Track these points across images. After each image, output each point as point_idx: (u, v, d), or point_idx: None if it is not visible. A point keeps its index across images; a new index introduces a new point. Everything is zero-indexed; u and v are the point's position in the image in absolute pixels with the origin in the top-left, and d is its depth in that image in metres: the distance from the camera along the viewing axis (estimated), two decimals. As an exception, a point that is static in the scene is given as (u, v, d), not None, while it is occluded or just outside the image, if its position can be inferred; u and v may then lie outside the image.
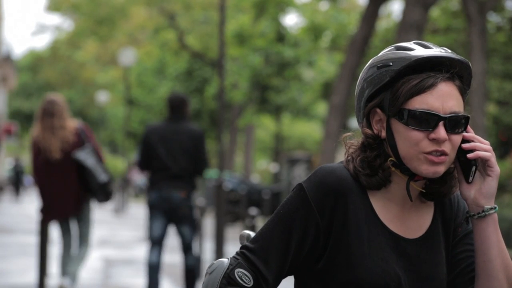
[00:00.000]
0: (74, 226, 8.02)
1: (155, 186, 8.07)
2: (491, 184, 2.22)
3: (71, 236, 8.00)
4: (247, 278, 2.19)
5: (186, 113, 8.24)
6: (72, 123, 7.86)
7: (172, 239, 17.68)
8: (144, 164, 8.18)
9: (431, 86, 2.16)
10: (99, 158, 7.78)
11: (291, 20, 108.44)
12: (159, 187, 8.05)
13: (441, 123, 2.15)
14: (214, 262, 2.25)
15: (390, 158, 2.21)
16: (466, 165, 2.22)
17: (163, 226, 8.12)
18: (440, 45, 2.27)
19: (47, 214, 7.99)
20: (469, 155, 2.20)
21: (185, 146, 8.11)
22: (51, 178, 7.81)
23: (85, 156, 7.68)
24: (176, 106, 8.21)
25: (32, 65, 59.44)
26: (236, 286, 2.19)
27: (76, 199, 7.84)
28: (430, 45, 2.22)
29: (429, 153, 2.15)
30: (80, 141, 7.78)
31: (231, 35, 25.85)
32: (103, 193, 7.74)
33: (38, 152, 7.79)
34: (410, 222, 2.26)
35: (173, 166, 8.07)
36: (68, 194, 7.81)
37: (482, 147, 2.21)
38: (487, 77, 17.55)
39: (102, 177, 7.66)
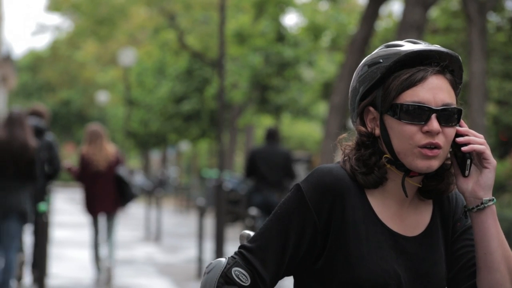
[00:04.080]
0: (103, 220, 10.74)
1: (259, 191, 11.39)
2: (489, 176, 2.21)
3: (99, 229, 10.74)
4: (244, 277, 2.19)
5: (279, 139, 11.87)
6: (111, 147, 10.81)
7: (170, 239, 17.67)
8: (249, 174, 11.62)
9: (422, 79, 2.17)
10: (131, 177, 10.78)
11: (291, 20, 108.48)
12: (262, 192, 11.35)
13: (433, 115, 2.15)
14: (212, 261, 2.25)
15: (385, 155, 2.21)
16: (462, 159, 2.22)
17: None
18: (440, 45, 2.28)
19: (92, 209, 10.67)
20: (464, 148, 2.20)
21: (279, 162, 11.48)
22: (97, 184, 10.57)
23: (125, 174, 10.73)
24: (273, 135, 11.74)
25: (32, 65, 59.44)
26: (233, 285, 2.19)
27: (115, 201, 10.66)
28: (420, 42, 2.24)
29: (423, 146, 2.15)
30: (118, 161, 10.71)
31: (231, 34, 25.84)
32: (130, 201, 10.82)
33: (87, 165, 10.58)
34: (409, 220, 2.26)
35: (271, 177, 11.41)
36: (109, 196, 10.61)
37: (476, 141, 2.21)
38: (487, 77, 17.54)
39: (134, 190, 10.82)
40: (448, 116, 2.17)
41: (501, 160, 20.55)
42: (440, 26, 21.96)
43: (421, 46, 2.20)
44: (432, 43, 2.26)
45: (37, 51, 61.12)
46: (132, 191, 10.72)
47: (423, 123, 2.15)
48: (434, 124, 2.15)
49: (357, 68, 2.27)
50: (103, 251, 10.79)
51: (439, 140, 2.16)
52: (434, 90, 2.17)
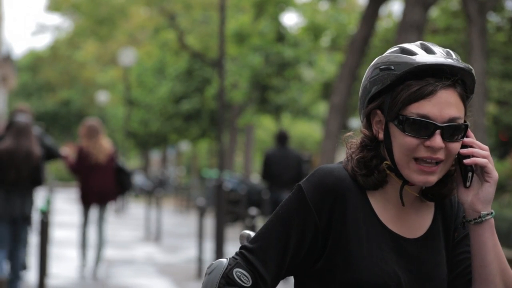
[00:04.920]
0: (95, 210, 11.51)
1: (273, 191, 12.56)
2: (489, 190, 2.21)
3: (89, 218, 11.49)
4: (245, 278, 2.19)
5: (289, 142, 12.90)
6: (107, 142, 11.49)
7: (170, 239, 17.67)
8: (265, 175, 12.63)
9: (430, 93, 2.16)
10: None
11: (291, 20, 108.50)
12: (275, 191, 12.47)
13: (437, 131, 2.14)
14: (213, 262, 2.25)
15: (386, 162, 2.22)
16: (464, 169, 2.22)
17: None
18: (440, 45, 2.26)
19: (88, 201, 11.39)
20: (465, 161, 2.20)
21: (291, 164, 12.52)
22: (95, 176, 11.25)
23: (125, 166, 11.56)
24: (284, 138, 12.74)
25: (32, 65, 59.38)
26: (234, 286, 2.19)
27: (112, 192, 11.41)
28: (435, 49, 2.21)
29: (422, 159, 2.15)
30: (114, 154, 11.46)
31: (231, 34, 25.84)
32: (128, 190, 11.68)
33: (84, 158, 11.26)
34: (410, 222, 2.26)
35: (284, 177, 12.44)
36: (107, 188, 11.34)
37: (480, 153, 2.20)
38: (487, 77, 17.53)
39: (132, 179, 11.67)
40: (453, 132, 2.16)
41: (501, 160, 20.55)
42: (440, 26, 21.96)
43: (434, 58, 2.18)
44: (433, 43, 2.26)
45: (37, 51, 61.07)
46: (131, 181, 11.59)
47: (426, 137, 2.15)
48: (437, 140, 2.14)
49: (368, 69, 2.26)
50: (91, 238, 11.74)
51: (440, 155, 2.15)
52: (442, 105, 2.15)
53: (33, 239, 10.11)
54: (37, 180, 8.81)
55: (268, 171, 12.59)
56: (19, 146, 8.73)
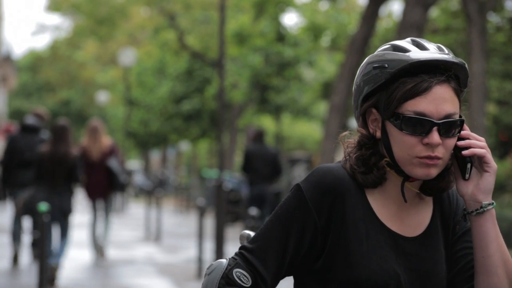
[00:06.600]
0: (100, 206, 12.54)
1: (253, 184, 13.59)
2: (489, 179, 2.21)
3: (97, 211, 12.50)
4: (245, 278, 2.19)
5: (265, 139, 14.09)
6: (107, 141, 12.45)
7: (170, 239, 17.68)
8: (245, 170, 13.72)
9: (425, 90, 2.16)
10: (122, 166, 12.82)
11: (291, 20, 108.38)
12: (255, 184, 13.54)
13: (434, 128, 2.15)
14: (213, 262, 2.25)
15: (385, 159, 2.22)
16: (462, 162, 2.22)
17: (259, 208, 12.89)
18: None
19: (89, 195, 12.46)
20: (464, 152, 2.20)
21: (269, 159, 13.65)
22: (92, 173, 12.18)
23: (114, 165, 12.22)
24: (261, 136, 13.95)
25: (32, 65, 59.39)
26: (234, 286, 2.19)
27: (107, 188, 12.39)
28: (426, 45, 2.22)
29: (423, 157, 2.16)
30: (111, 152, 12.32)
31: (231, 34, 25.83)
32: (120, 188, 12.74)
33: (83, 155, 12.07)
34: (409, 220, 2.26)
35: (263, 171, 13.56)
36: (102, 183, 12.28)
37: (477, 144, 2.21)
38: (487, 77, 17.53)
39: (122, 178, 12.36)
40: (449, 127, 2.17)
41: (501, 160, 20.56)
42: (440, 26, 21.95)
43: (428, 54, 2.18)
44: (423, 39, 2.26)
45: (37, 51, 61.08)
46: (120, 181, 12.33)
47: (424, 135, 2.15)
48: (434, 137, 2.15)
49: (362, 66, 2.26)
50: (99, 230, 12.65)
51: (439, 152, 2.16)
52: (437, 101, 2.16)
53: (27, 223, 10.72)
54: (74, 178, 10.10)
55: (248, 166, 13.66)
56: (57, 150, 9.98)
